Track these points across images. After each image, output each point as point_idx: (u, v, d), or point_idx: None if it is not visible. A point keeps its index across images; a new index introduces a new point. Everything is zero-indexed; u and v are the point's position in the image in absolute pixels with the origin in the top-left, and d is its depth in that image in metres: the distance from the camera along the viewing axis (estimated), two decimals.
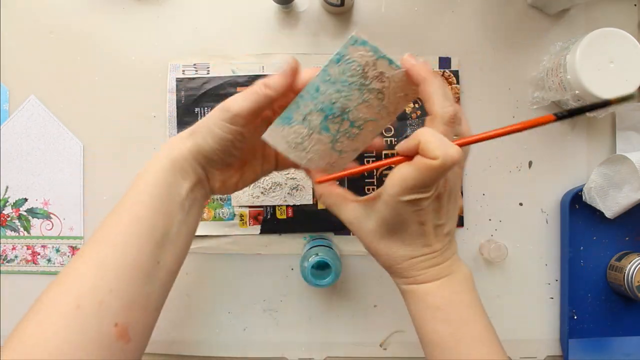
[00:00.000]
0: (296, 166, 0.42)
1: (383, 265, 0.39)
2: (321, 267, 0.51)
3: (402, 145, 0.34)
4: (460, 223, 0.58)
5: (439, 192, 0.35)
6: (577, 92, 0.50)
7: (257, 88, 0.37)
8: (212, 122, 0.38)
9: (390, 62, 0.36)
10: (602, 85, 0.48)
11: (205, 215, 0.58)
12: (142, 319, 0.35)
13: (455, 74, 0.57)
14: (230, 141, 0.38)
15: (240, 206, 0.58)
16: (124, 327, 0.33)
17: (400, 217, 0.35)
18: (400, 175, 0.33)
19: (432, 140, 0.32)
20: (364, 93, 0.37)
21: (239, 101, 0.37)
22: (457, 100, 0.58)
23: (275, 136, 0.39)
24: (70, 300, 0.32)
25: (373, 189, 0.58)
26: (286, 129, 0.39)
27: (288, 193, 0.58)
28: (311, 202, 0.58)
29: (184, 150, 0.38)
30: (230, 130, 0.37)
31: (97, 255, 0.34)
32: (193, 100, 0.58)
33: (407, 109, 0.58)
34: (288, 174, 0.58)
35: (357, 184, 0.58)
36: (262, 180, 0.57)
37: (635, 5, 0.58)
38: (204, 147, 0.38)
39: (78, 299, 0.32)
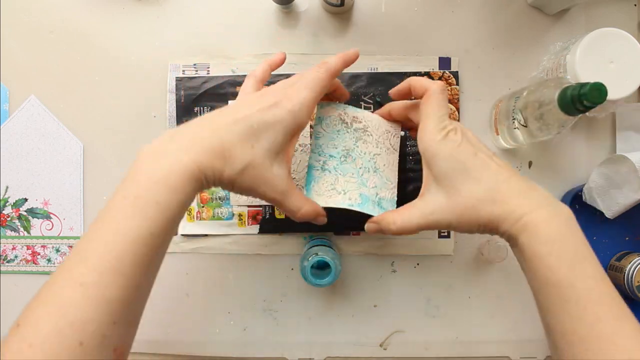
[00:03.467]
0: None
1: (488, 223, 0.38)
2: (321, 266, 0.51)
3: (394, 89, 0.46)
4: None
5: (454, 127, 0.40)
6: None
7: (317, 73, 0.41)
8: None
9: (355, 109, 0.48)
10: None
11: (204, 215, 0.58)
12: (133, 333, 0.35)
13: (455, 74, 0.57)
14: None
15: (239, 205, 0.58)
16: (121, 349, 0.33)
17: (452, 162, 0.39)
18: (425, 111, 0.41)
19: (419, 78, 0.43)
20: (351, 133, 0.47)
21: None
22: (457, 100, 0.58)
23: (316, 198, 0.45)
24: (74, 336, 0.31)
25: None
26: (316, 185, 0.46)
27: None
28: None
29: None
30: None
31: (99, 284, 0.33)
32: (193, 100, 0.58)
33: None
34: None
35: None
36: None
37: (635, 5, 0.58)
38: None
39: (81, 336, 0.31)
